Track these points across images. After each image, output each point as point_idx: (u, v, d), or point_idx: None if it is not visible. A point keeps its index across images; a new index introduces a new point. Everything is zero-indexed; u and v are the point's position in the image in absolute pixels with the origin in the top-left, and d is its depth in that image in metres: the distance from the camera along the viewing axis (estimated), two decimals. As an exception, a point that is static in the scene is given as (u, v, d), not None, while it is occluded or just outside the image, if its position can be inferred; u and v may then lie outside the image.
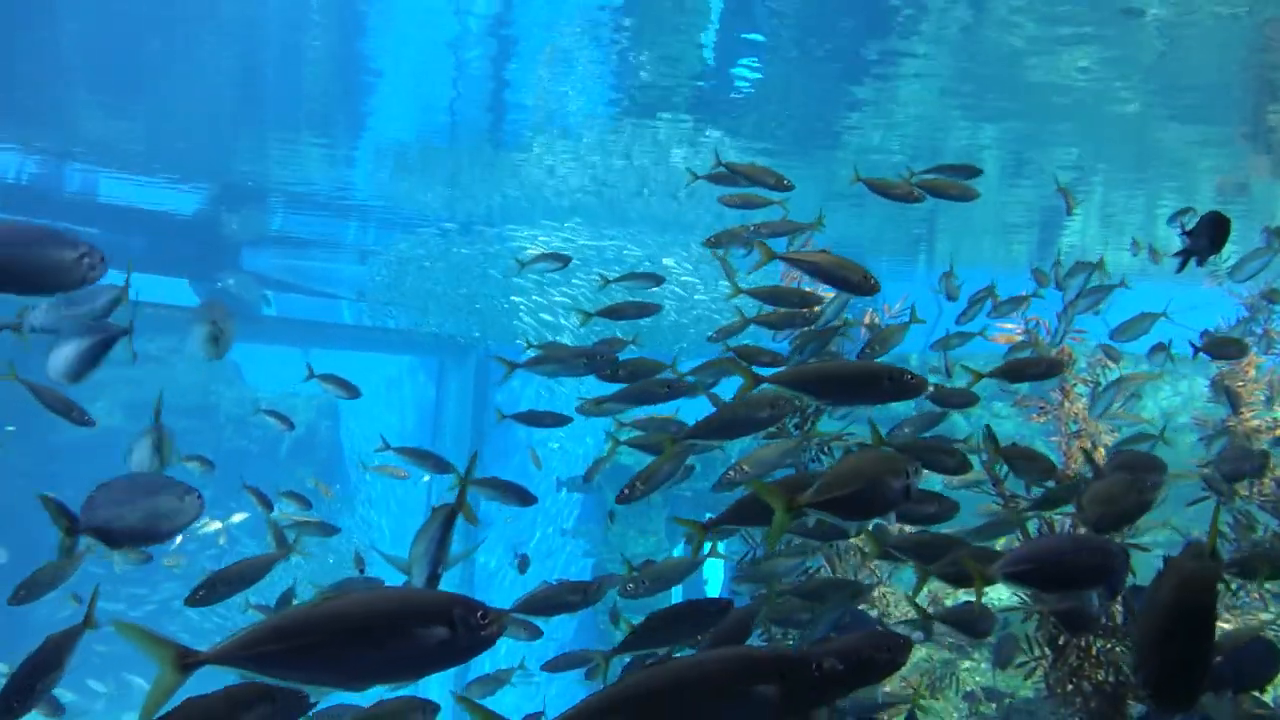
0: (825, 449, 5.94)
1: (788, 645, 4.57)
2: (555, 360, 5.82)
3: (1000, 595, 7.27)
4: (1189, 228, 5.19)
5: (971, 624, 4.88)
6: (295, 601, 6.74)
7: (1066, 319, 7.15)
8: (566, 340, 17.21)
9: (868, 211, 17.70)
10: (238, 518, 16.35)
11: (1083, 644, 5.08)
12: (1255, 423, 7.55)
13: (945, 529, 5.02)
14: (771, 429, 6.33)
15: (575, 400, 6.37)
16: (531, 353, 6.01)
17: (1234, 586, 6.09)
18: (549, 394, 22.37)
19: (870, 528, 5.01)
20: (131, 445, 4.93)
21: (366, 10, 10.20)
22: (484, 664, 7.50)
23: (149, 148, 14.76)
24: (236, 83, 12.27)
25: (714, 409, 5.07)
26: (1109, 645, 5.05)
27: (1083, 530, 4.27)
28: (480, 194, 16.77)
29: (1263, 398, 7.73)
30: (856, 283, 4.99)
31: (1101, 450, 6.85)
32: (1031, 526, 5.23)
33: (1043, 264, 8.19)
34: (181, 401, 19.79)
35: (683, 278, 17.04)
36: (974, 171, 6.72)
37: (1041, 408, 7.07)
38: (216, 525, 16.72)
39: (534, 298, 17.50)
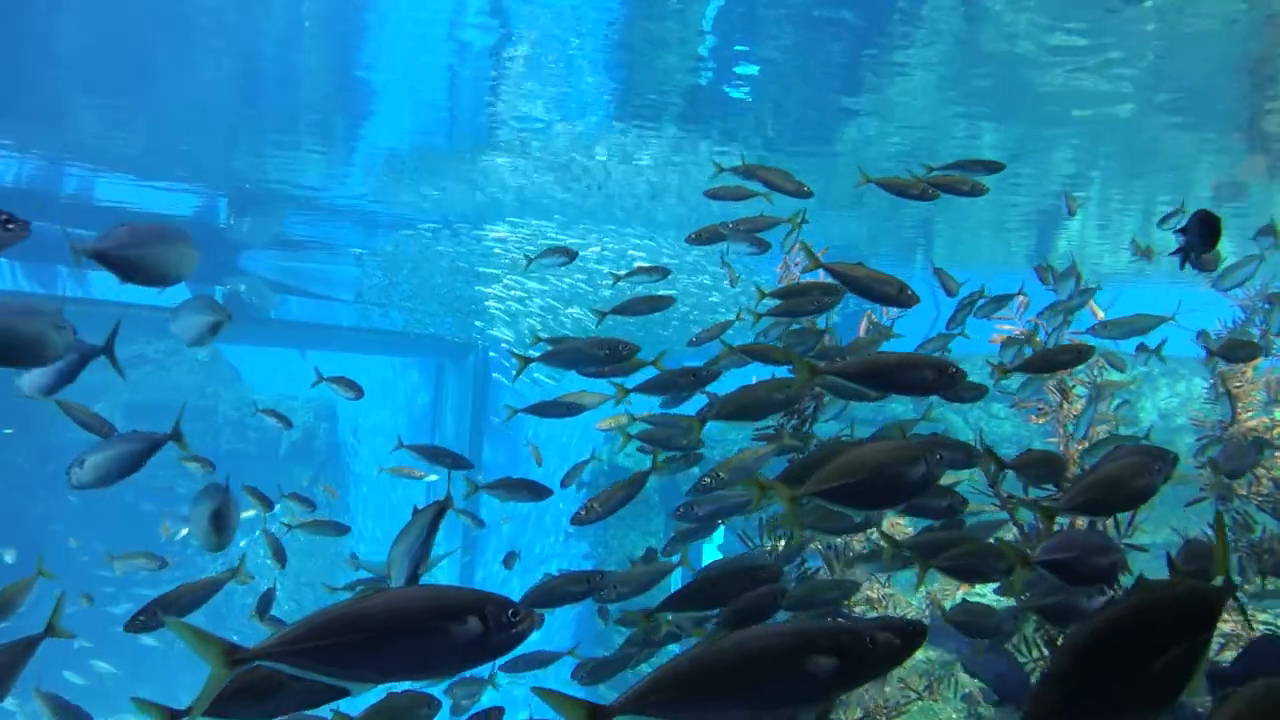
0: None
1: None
2: (572, 351, 5.73)
3: (988, 598, 7.27)
4: (1181, 227, 5.20)
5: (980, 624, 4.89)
6: (275, 602, 6.80)
7: (1052, 317, 7.13)
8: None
9: (865, 212, 17.73)
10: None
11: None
12: (1253, 423, 7.57)
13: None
14: (769, 431, 6.40)
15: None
16: (540, 347, 5.95)
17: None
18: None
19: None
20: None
21: (363, 17, 10.22)
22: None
23: (147, 150, 14.78)
24: (237, 85, 12.28)
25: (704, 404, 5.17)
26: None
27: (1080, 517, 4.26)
28: (474, 193, 16.72)
29: (1262, 399, 7.74)
30: (894, 295, 5.03)
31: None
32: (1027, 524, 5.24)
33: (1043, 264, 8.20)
34: (179, 403, 19.82)
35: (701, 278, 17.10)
36: (996, 166, 6.72)
37: (1040, 409, 7.07)
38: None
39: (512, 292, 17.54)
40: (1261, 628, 6.25)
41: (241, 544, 8.34)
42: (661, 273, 7.88)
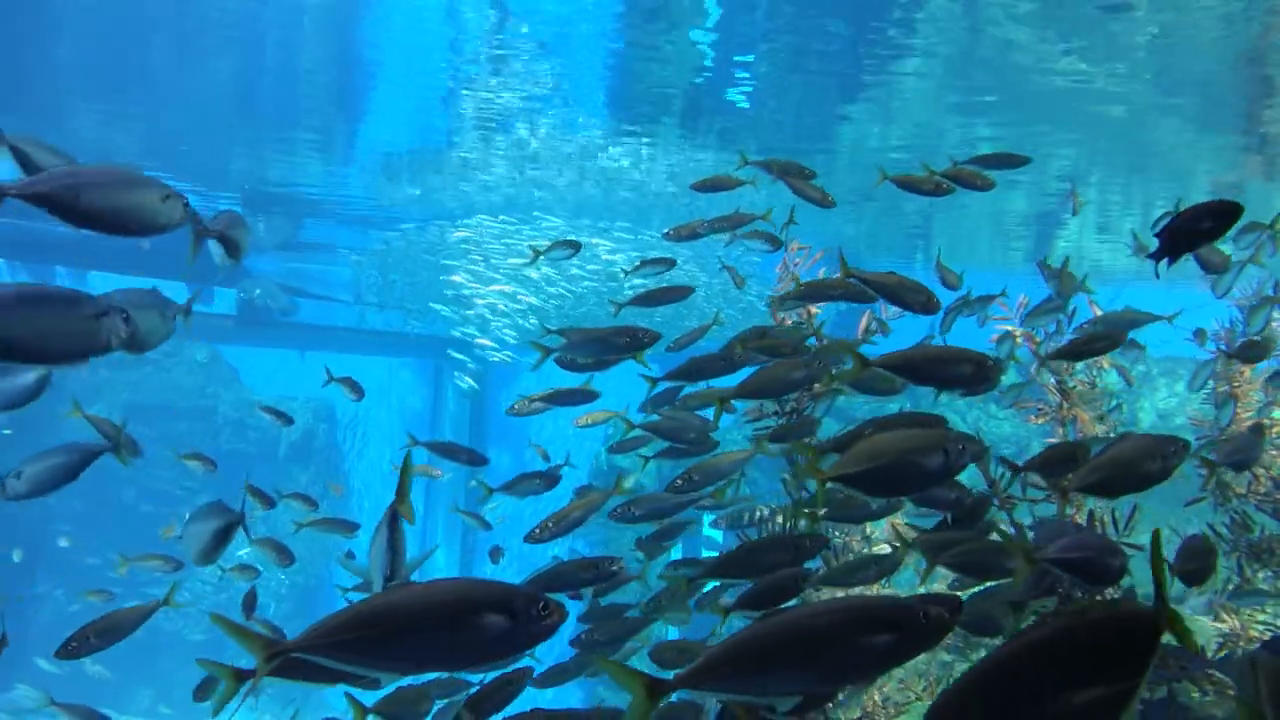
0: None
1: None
2: (594, 341, 5.68)
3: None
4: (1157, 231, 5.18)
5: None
6: (258, 603, 6.81)
7: (1039, 316, 7.11)
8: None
9: (863, 211, 17.72)
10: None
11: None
12: (1250, 423, 7.55)
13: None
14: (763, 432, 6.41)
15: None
16: (552, 339, 5.90)
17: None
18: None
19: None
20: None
21: (362, 15, 10.22)
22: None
23: (148, 150, 14.78)
24: (237, 87, 12.29)
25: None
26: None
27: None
28: (466, 190, 16.70)
29: (1260, 399, 7.73)
30: (922, 303, 5.30)
31: None
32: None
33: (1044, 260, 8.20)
34: (179, 404, 19.83)
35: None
36: (1022, 160, 6.81)
37: (1039, 409, 7.06)
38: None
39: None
40: (1260, 628, 6.26)
41: (242, 552, 8.27)
42: (667, 264, 7.81)
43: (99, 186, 3.43)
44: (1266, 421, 6.91)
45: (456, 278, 17.98)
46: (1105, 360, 7.08)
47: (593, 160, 14.64)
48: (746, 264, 15.79)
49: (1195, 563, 4.52)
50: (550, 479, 6.18)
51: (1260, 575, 6.10)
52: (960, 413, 14.36)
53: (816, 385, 5.82)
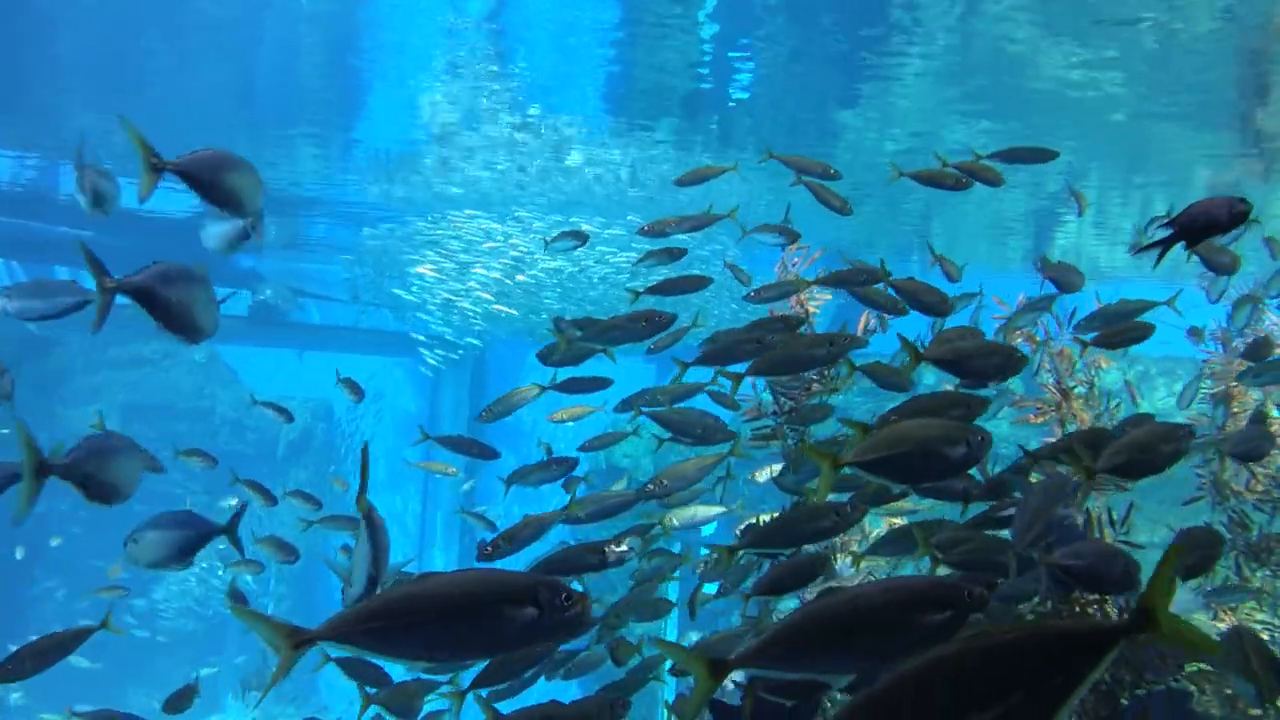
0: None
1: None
2: (613, 328, 5.67)
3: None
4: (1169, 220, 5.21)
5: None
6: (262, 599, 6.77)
7: (1023, 315, 7.12)
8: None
9: (861, 211, 17.69)
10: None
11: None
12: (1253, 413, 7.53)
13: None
14: (768, 431, 6.42)
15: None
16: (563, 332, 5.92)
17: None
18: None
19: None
20: None
21: (359, 13, 10.22)
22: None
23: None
24: (236, 86, 12.30)
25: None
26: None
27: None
28: (457, 186, 16.66)
29: (1258, 397, 7.72)
30: (935, 304, 5.71)
31: None
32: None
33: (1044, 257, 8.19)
34: (178, 404, 19.84)
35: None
36: (1050, 154, 6.97)
37: (1039, 408, 7.06)
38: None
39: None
40: (1260, 626, 6.27)
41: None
42: (674, 255, 7.70)
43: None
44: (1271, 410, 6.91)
45: (424, 269, 18.00)
46: (1104, 360, 7.08)
47: (586, 155, 14.63)
48: (750, 262, 15.77)
49: (1197, 554, 4.48)
50: (567, 465, 6.09)
51: (1258, 574, 6.11)
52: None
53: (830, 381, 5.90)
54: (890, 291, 5.85)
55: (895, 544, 4.89)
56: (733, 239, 15.84)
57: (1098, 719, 4.98)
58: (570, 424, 8.24)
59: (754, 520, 6.55)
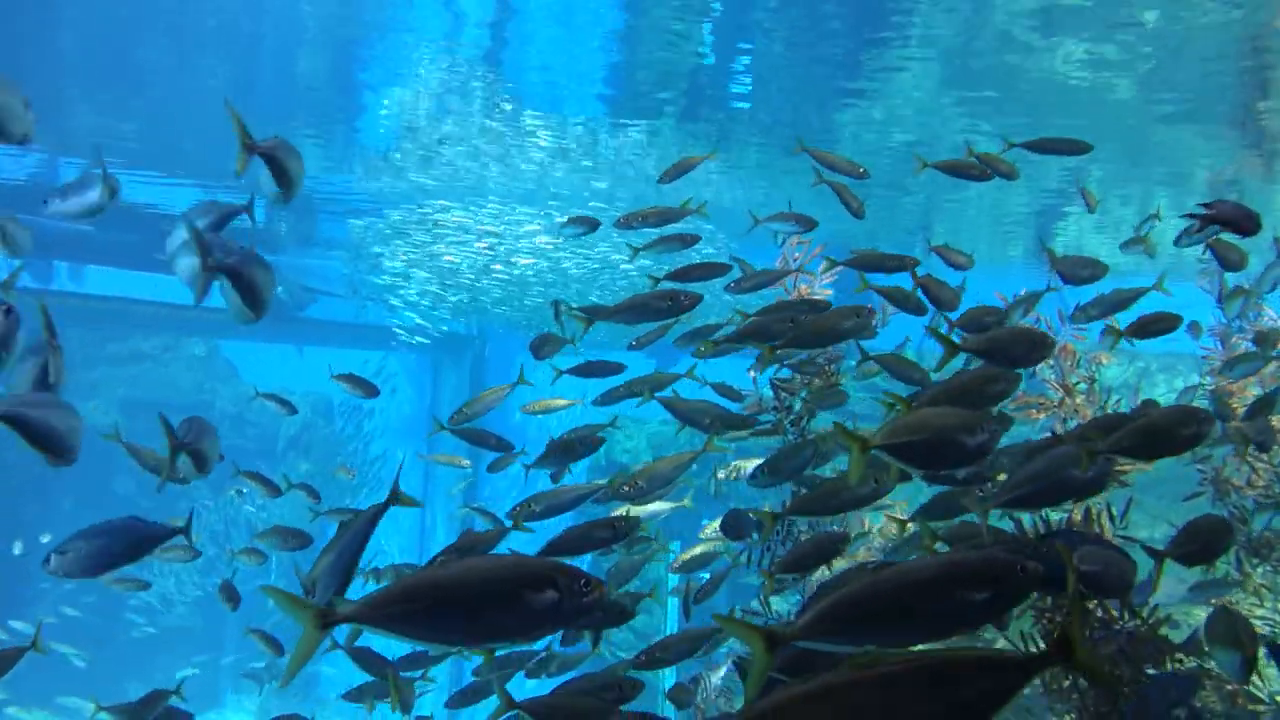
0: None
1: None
2: (638, 306, 5.65)
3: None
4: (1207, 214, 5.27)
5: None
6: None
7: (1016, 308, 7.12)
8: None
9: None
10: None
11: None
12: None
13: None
14: (765, 427, 6.44)
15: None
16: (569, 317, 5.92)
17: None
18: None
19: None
20: None
21: (360, 8, 10.21)
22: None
23: (145, 144, 14.75)
24: (237, 79, 12.29)
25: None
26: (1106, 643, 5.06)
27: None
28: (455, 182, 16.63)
29: (1258, 392, 7.72)
30: (948, 300, 5.96)
31: None
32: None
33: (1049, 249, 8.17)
34: (177, 399, 19.82)
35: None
36: (1085, 147, 6.92)
37: (1040, 403, 7.06)
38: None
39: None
40: (1259, 622, 6.27)
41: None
42: (684, 241, 7.63)
43: None
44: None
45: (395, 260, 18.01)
46: (1105, 356, 7.08)
47: (586, 155, 14.62)
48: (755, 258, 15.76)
49: (1197, 543, 4.37)
50: (589, 444, 5.96)
51: (1259, 570, 6.12)
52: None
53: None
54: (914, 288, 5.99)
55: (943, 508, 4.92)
56: (733, 238, 15.85)
57: (1098, 715, 4.98)
58: (542, 414, 8.15)
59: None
